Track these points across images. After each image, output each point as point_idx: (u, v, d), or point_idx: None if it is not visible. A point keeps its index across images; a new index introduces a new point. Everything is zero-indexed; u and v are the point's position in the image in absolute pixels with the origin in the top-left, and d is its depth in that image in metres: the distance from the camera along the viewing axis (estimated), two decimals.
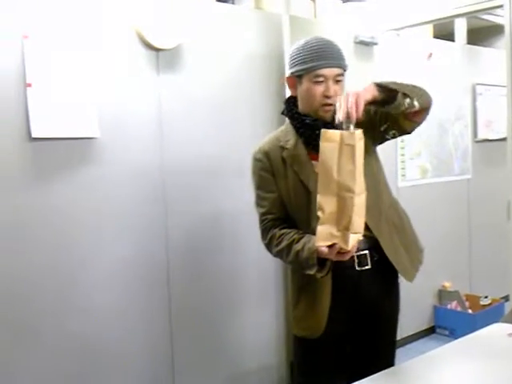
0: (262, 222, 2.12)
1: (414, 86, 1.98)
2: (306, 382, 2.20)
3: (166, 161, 2.94)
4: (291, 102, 2.12)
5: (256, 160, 2.13)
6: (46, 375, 2.55)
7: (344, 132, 1.75)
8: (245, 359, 3.34)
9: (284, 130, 2.14)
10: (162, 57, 2.91)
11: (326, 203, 1.77)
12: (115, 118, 2.74)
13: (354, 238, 1.78)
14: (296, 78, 2.04)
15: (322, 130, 1.78)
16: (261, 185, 2.12)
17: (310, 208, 1.99)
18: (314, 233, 1.86)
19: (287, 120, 2.16)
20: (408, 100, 1.88)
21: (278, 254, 2.09)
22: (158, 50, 2.87)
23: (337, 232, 1.77)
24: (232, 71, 3.22)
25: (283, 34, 3.37)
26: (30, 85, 2.44)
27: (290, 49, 2.13)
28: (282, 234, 2.04)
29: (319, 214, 1.78)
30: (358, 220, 1.77)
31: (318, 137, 1.95)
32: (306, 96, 2.02)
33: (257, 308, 3.39)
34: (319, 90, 1.98)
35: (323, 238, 1.78)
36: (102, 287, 2.72)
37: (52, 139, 2.52)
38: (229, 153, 3.17)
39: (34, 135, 2.45)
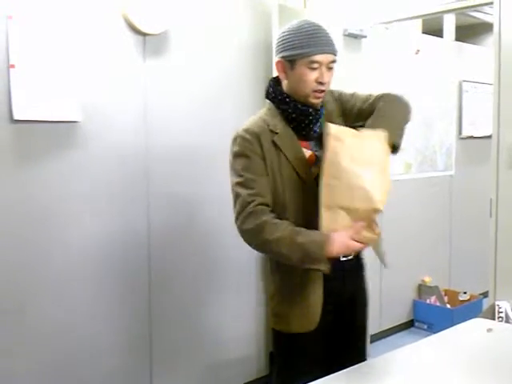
0: (247, 203, 1.90)
1: (402, 114, 2.06)
2: (292, 375, 2.11)
3: (150, 147, 2.91)
4: (278, 86, 2.04)
5: (244, 140, 1.98)
6: (21, 362, 2.54)
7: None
8: (224, 350, 3.33)
9: (269, 114, 2.04)
10: (149, 42, 2.87)
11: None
12: (99, 102, 2.71)
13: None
14: (287, 63, 1.97)
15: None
16: (249, 166, 1.95)
17: (301, 196, 1.96)
18: (303, 223, 1.89)
19: (268, 104, 2.07)
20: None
21: (268, 243, 1.88)
22: (144, 34, 2.83)
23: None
24: (219, 59, 3.19)
25: (272, 23, 3.35)
26: (13, 66, 2.40)
27: (279, 32, 2.02)
28: (276, 223, 1.88)
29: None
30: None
31: (310, 122, 1.98)
32: (299, 81, 1.96)
33: (236, 298, 3.38)
34: (313, 75, 1.93)
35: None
36: (82, 272, 2.70)
37: (34, 121, 2.48)
38: (213, 140, 3.15)
39: (16, 117, 2.42)
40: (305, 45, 1.92)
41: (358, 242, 1.85)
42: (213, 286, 3.25)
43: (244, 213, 1.91)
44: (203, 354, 3.22)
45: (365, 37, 3.87)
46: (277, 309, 2.10)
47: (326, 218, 1.82)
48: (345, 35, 3.76)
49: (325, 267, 1.86)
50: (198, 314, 3.20)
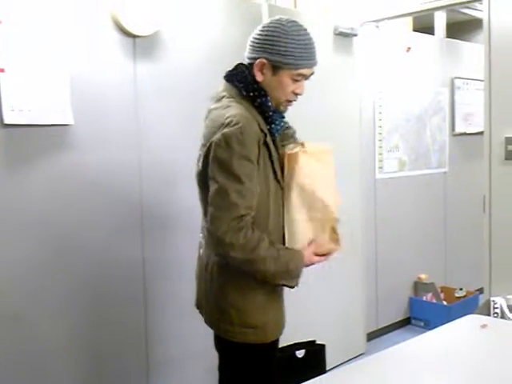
0: (242, 216, 1.76)
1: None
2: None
3: (142, 149, 2.90)
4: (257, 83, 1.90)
5: (250, 141, 1.78)
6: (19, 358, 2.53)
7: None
8: None
9: (250, 112, 1.87)
10: (139, 44, 2.86)
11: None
12: (90, 105, 2.69)
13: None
14: (270, 66, 1.87)
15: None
16: (251, 175, 1.79)
17: (280, 200, 1.95)
18: (281, 229, 1.94)
19: (240, 96, 1.92)
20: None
21: (259, 260, 1.80)
22: (134, 36, 2.82)
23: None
24: (210, 60, 3.17)
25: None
26: (2, 70, 2.39)
27: (267, 27, 1.94)
28: (266, 240, 1.82)
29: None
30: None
31: (276, 127, 1.95)
32: (277, 88, 1.88)
33: None
34: (293, 86, 1.88)
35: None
36: (76, 280, 2.70)
37: (25, 126, 2.47)
38: None
39: (6, 121, 2.41)
40: (297, 56, 1.84)
41: (322, 255, 1.96)
42: None
43: (237, 226, 1.76)
44: (202, 355, 3.21)
45: (355, 35, 3.87)
46: (252, 320, 1.92)
47: (299, 228, 1.93)
48: (335, 34, 3.76)
49: (295, 282, 1.92)
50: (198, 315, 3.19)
